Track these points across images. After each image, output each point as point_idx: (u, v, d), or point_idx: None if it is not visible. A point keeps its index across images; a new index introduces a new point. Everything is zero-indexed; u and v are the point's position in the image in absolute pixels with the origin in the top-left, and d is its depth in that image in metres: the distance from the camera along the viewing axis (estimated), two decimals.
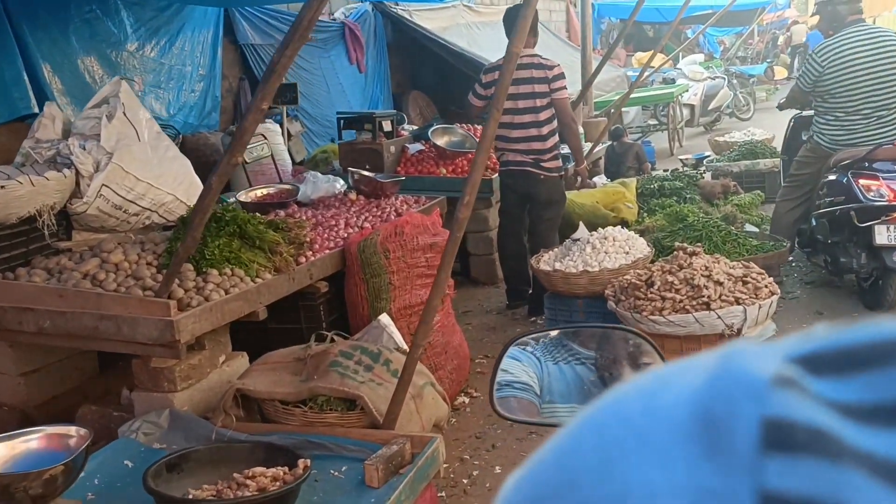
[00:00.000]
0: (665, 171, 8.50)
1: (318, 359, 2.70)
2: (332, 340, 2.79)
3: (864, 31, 4.19)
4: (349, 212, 4.01)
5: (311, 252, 3.34)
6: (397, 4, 9.96)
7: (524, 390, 1.09)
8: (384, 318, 3.25)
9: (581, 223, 4.40)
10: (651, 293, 3.38)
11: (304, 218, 3.79)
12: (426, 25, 9.78)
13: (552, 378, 1.11)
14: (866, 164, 3.86)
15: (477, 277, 5.50)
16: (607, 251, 3.98)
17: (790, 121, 5.04)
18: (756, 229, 5.85)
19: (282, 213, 3.83)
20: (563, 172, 4.71)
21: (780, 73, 5.19)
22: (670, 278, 3.36)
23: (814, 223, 4.21)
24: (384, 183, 4.34)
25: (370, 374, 2.65)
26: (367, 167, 5.56)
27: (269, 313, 3.09)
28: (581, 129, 8.83)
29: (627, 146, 7.46)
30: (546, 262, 4.26)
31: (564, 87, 4.46)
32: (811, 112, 4.57)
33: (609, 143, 7.68)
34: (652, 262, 3.76)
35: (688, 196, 5.84)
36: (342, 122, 5.67)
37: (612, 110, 7.58)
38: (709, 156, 8.09)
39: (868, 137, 4.16)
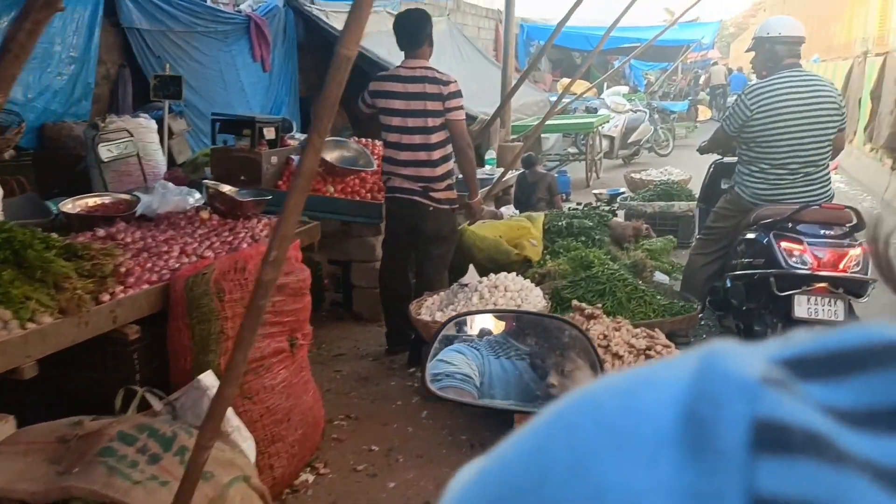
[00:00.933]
0: (578, 204, 8.09)
1: (87, 442, 2.01)
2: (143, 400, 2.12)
3: (800, 77, 3.80)
4: (194, 235, 3.31)
5: (121, 287, 2.63)
6: (313, 3, 9.28)
7: (465, 381, 1.10)
8: (207, 378, 2.57)
9: (471, 266, 3.83)
10: None
11: (128, 239, 3.08)
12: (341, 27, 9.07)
13: (493, 373, 1.13)
14: (790, 225, 3.43)
15: (360, 312, 4.86)
16: (496, 302, 3.42)
17: (710, 166, 4.63)
18: (667, 278, 5.44)
19: (102, 231, 3.10)
20: (456, 205, 4.13)
21: (704, 112, 4.89)
22: None
23: (728, 285, 3.78)
24: (243, 202, 3.66)
25: (155, 467, 1.98)
26: (243, 178, 4.87)
27: (67, 358, 2.40)
28: (493, 154, 8.34)
29: (540, 176, 6.99)
30: (428, 308, 3.67)
31: (461, 108, 3.89)
32: (733, 159, 4.15)
33: (521, 170, 7.20)
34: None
35: (597, 237, 5.38)
36: (217, 124, 4.95)
37: (530, 136, 7.10)
38: (623, 192, 7.72)
39: (793, 194, 3.76)
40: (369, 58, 8.82)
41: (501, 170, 7.36)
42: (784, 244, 3.38)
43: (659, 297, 3.79)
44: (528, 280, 3.67)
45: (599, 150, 11.34)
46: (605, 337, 2.85)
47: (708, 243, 4.13)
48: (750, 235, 3.69)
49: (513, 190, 7.21)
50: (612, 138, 11.72)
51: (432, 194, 3.94)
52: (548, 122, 9.84)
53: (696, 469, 0.21)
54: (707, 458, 0.21)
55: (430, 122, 3.85)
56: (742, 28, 45.72)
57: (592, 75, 18.56)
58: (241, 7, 8.57)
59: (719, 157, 4.53)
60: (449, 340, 1.20)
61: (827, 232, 3.37)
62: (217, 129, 4.96)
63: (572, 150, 11.57)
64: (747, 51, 4.09)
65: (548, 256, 4.83)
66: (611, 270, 3.85)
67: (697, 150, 4.34)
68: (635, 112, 12.25)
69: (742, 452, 0.20)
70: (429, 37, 3.96)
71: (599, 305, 3.48)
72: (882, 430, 0.21)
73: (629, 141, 12.15)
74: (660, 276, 5.43)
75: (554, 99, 12.94)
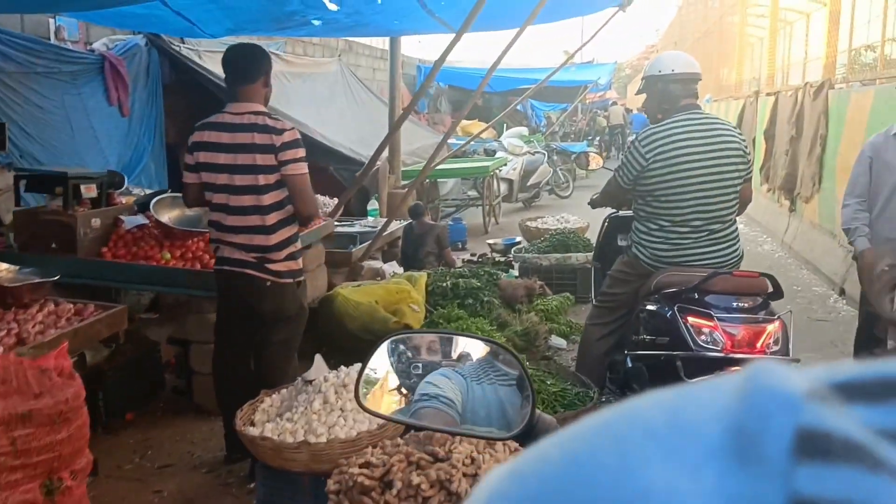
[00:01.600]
0: (472, 255, 7.51)
1: None
2: None
3: (700, 120, 3.31)
4: None
5: None
6: (183, 42, 8.46)
7: (448, 406, 1.11)
8: None
9: (318, 357, 3.09)
10: (388, 501, 2.12)
11: None
12: (218, 69, 8.33)
13: (476, 400, 1.14)
14: (697, 297, 2.88)
15: (202, 404, 4.03)
16: (344, 407, 2.70)
17: (605, 220, 4.09)
18: (564, 342, 4.86)
19: None
20: (301, 277, 3.39)
21: (596, 160, 4.50)
22: (416, 479, 2.12)
23: (629, 364, 3.19)
24: (12, 288, 2.82)
25: None
26: (54, 246, 4.00)
27: None
28: (375, 204, 7.65)
29: (428, 227, 6.35)
30: (264, 412, 2.90)
31: (300, 160, 3.18)
32: (630, 212, 3.61)
33: (408, 221, 6.55)
34: (404, 434, 2.52)
35: (485, 299, 4.75)
36: (23, 182, 4.08)
37: (414, 183, 6.48)
38: (519, 241, 7.18)
39: (698, 256, 3.23)
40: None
41: (384, 220, 6.71)
42: (691, 319, 2.81)
43: (550, 383, 3.16)
44: None
45: (498, 194, 10.86)
46: (472, 460, 2.17)
47: (604, 312, 3.55)
48: (651, 307, 3.12)
49: (400, 243, 6.56)
50: (510, 181, 11.29)
51: (270, 266, 3.20)
52: (442, 167, 9.31)
53: (740, 476, 0.22)
54: (751, 466, 0.22)
55: (262, 179, 3.13)
56: (637, 70, 47.30)
57: (495, 117, 18.36)
58: (95, 46, 7.67)
59: (614, 210, 3.99)
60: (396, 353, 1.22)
61: (740, 304, 2.83)
62: (22, 188, 4.08)
63: (472, 193, 11.06)
64: (638, 92, 3.56)
65: (430, 324, 4.15)
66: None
67: (588, 204, 3.79)
68: (533, 154, 11.88)
69: (785, 459, 0.21)
70: (264, 75, 3.26)
71: None
72: None
73: (528, 184, 11.75)
74: (556, 341, 4.85)
75: (451, 142, 12.49)
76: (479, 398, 1.15)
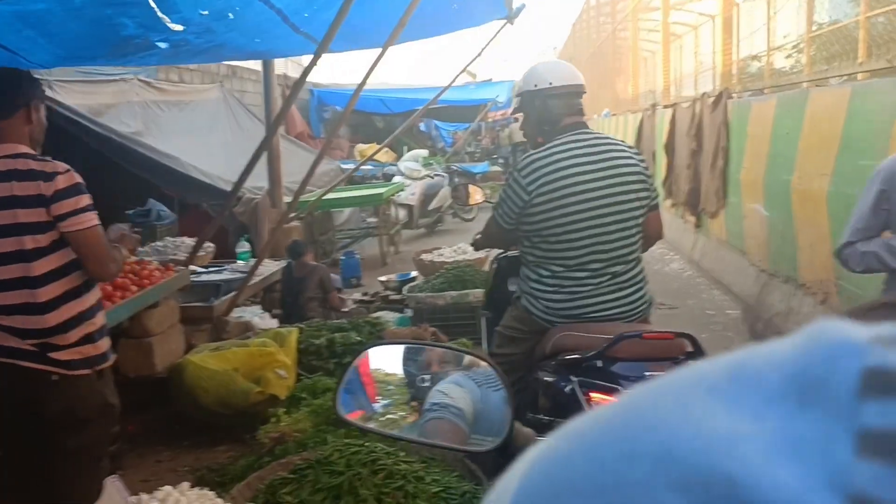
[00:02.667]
0: (366, 294, 6.82)
1: None
2: None
3: (588, 141, 2.74)
4: None
5: None
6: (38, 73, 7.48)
7: (458, 417, 1.10)
8: None
9: (111, 482, 2.33)
10: None
11: None
12: (75, 102, 7.42)
13: (487, 408, 1.12)
14: (600, 365, 2.29)
15: None
16: None
17: (493, 263, 3.48)
18: None
19: None
20: (105, 363, 2.61)
21: (475, 194, 4.06)
22: None
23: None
24: None
25: None
26: None
27: None
28: (246, 246, 6.87)
29: (309, 269, 5.63)
30: None
31: (85, 210, 2.42)
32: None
33: (282, 264, 5.81)
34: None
35: None
36: None
37: (281, 218, 5.76)
38: (415, 277, 6.55)
39: (600, 307, 2.67)
40: (105, 136, 7.15)
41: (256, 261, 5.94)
42: (595, 395, 2.22)
43: (432, 481, 2.50)
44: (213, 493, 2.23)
45: (397, 221, 10.23)
46: None
47: None
48: (547, 377, 2.51)
49: (279, 287, 5.81)
50: (409, 207, 10.68)
51: (53, 355, 2.42)
52: (332, 196, 8.60)
53: (804, 418, 0.22)
54: (815, 407, 0.22)
55: (30, 242, 2.36)
56: None
57: (397, 139, 17.75)
58: None
59: (502, 251, 3.39)
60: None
61: (653, 372, 2.25)
62: None
63: (373, 219, 10.37)
64: (514, 112, 2.98)
65: (285, 409, 3.43)
66: (354, 448, 2.50)
67: (471, 245, 3.17)
68: (433, 177, 11.32)
69: (851, 398, 0.21)
70: (25, 106, 2.49)
71: None
72: None
73: (430, 208, 11.18)
74: None
75: (346, 167, 11.81)
76: (491, 406, 1.15)
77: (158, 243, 6.23)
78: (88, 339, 2.50)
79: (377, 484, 2.39)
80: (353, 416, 1.22)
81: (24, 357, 2.41)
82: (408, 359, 1.27)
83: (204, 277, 5.40)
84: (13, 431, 2.49)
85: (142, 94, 9.46)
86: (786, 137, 5.10)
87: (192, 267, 5.61)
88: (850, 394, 0.22)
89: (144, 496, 2.17)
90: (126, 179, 7.48)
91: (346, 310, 6.03)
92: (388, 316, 5.91)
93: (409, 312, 5.66)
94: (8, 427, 2.49)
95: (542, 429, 2.41)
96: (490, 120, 25.25)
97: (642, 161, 2.85)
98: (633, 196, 2.74)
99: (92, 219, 2.42)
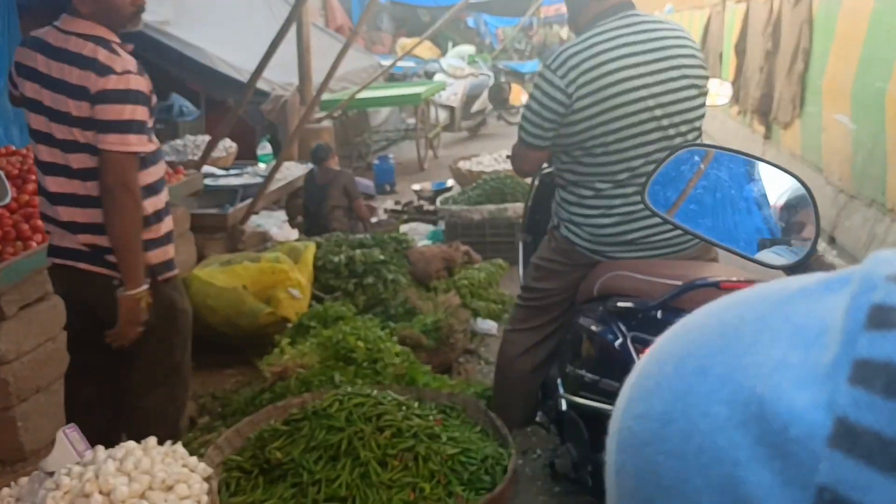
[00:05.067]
0: (398, 204, 6.37)
1: None
2: None
3: (639, 26, 2.15)
4: None
5: None
6: None
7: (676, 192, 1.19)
8: None
9: (60, 434, 1.96)
10: None
11: None
12: None
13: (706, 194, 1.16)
14: (661, 317, 1.81)
15: None
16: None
17: (534, 179, 2.94)
18: (493, 326, 3.80)
19: None
20: (166, 273, 2.25)
21: (517, 94, 3.59)
22: None
23: (563, 407, 2.13)
24: None
25: None
26: None
27: None
28: (267, 147, 6.40)
29: (333, 175, 5.16)
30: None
31: (125, 129, 2.05)
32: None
33: (309, 167, 5.36)
34: None
35: (390, 277, 3.66)
36: None
37: (304, 119, 5.28)
38: (450, 187, 6.06)
39: (658, 234, 2.18)
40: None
41: (287, 164, 5.52)
42: None
43: (448, 440, 2.09)
44: (189, 453, 1.86)
45: (437, 123, 9.63)
46: None
47: (530, 314, 2.47)
48: (594, 325, 2.04)
49: (301, 197, 5.38)
50: (451, 108, 10.03)
51: (110, 258, 2.11)
52: (364, 95, 8.02)
53: (829, 351, 0.25)
54: (829, 339, 0.25)
55: (78, 134, 2.02)
56: None
57: (443, 35, 16.81)
58: None
59: (547, 164, 2.87)
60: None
61: None
62: None
63: (412, 121, 9.78)
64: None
65: (293, 339, 3.04)
66: (357, 399, 2.09)
67: (509, 159, 2.66)
68: (477, 76, 10.60)
69: (856, 331, 0.24)
70: None
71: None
72: None
73: (473, 110, 10.51)
74: (484, 325, 3.80)
75: (387, 63, 11.15)
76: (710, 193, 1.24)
77: (178, 141, 5.82)
78: (146, 245, 2.14)
79: (382, 444, 2.00)
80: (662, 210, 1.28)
81: (81, 258, 2.14)
82: (723, 166, 1.25)
83: (222, 181, 5.00)
84: (84, 338, 2.22)
85: None
86: (886, 36, 4.35)
87: (209, 169, 5.21)
88: (859, 327, 0.24)
89: (101, 451, 1.82)
90: (150, 72, 7.04)
91: (375, 220, 5.61)
92: (421, 228, 5.48)
93: (442, 226, 5.21)
94: (79, 334, 2.23)
95: (585, 389, 1.98)
96: (542, 16, 23.93)
97: (699, 50, 2.29)
98: (695, 92, 2.19)
99: (127, 142, 2.03)
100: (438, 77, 10.45)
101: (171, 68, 6.92)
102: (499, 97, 3.54)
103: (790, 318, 0.27)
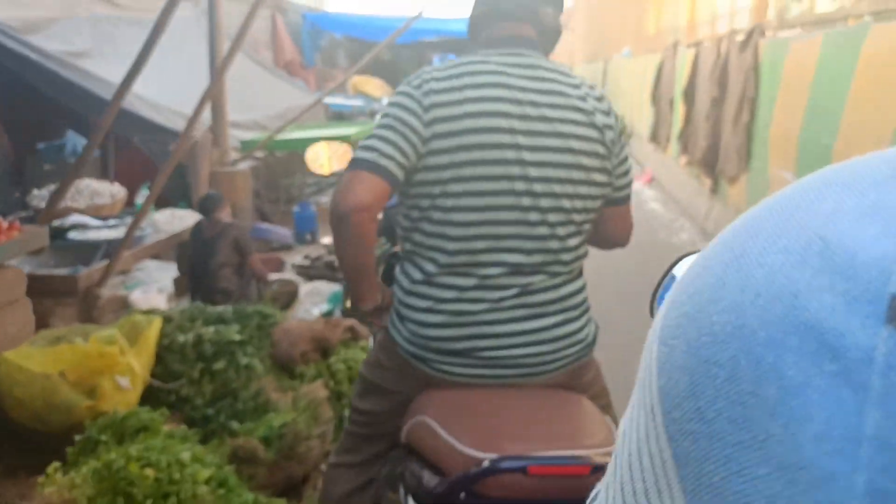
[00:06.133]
0: (307, 258, 5.77)
1: None
2: None
3: (527, 69, 1.61)
4: None
5: None
6: None
7: None
8: None
9: None
10: None
11: None
12: (2, 15, 6.34)
13: None
14: (463, 499, 1.23)
15: None
16: None
17: (379, 261, 2.31)
18: None
19: None
20: None
21: None
22: None
23: None
24: None
25: None
26: None
27: None
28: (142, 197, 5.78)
29: (221, 228, 4.55)
30: None
31: None
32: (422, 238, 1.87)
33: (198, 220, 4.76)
34: None
35: (245, 363, 3.04)
36: None
37: (172, 159, 4.70)
38: None
39: (500, 345, 1.64)
40: (27, 57, 6.02)
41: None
42: None
43: None
44: None
45: None
46: None
47: (356, 443, 1.86)
48: (417, 468, 1.45)
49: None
50: None
51: None
52: (298, 135, 7.47)
53: (888, 192, 0.24)
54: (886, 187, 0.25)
55: None
56: (564, 24, 45.77)
57: (402, 73, 16.41)
58: None
59: (390, 245, 2.28)
60: None
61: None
62: None
63: None
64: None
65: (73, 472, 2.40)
66: None
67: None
68: None
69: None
70: None
71: None
72: None
73: None
74: None
75: (330, 101, 10.59)
76: None
77: (52, 186, 5.18)
78: None
79: None
80: None
81: None
82: None
83: (91, 234, 4.36)
84: None
85: (92, 7, 8.25)
86: (831, 88, 3.89)
87: (81, 219, 4.59)
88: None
89: None
90: (51, 108, 6.44)
91: (276, 277, 5.00)
92: (325, 288, 4.89)
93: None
94: None
95: None
96: None
97: (609, 114, 1.71)
98: (580, 175, 1.63)
99: None
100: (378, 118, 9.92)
101: (70, 103, 6.32)
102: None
103: (837, 178, 0.26)
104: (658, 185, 8.50)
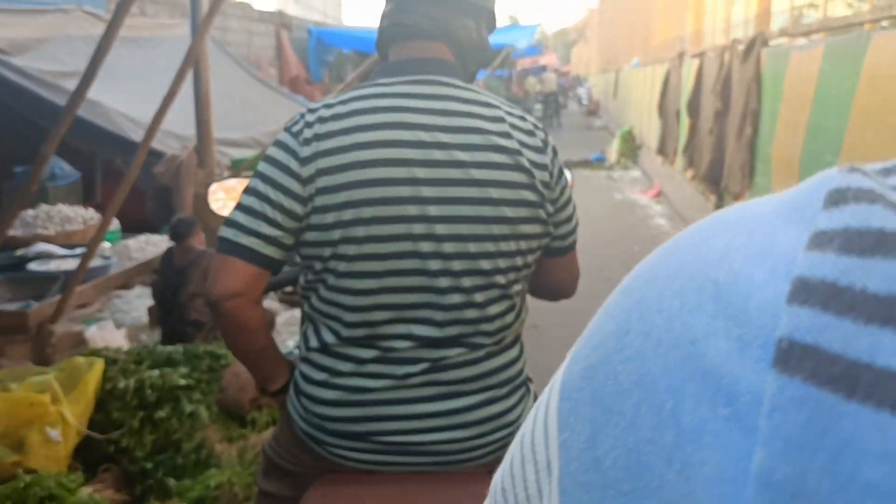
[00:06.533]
0: (293, 287, 5.54)
1: None
2: None
3: (437, 100, 1.30)
4: None
5: None
6: None
7: None
8: None
9: None
10: None
11: None
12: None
13: None
14: None
15: None
16: None
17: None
18: None
19: None
20: None
21: None
22: None
23: None
24: None
25: None
26: None
27: None
28: (117, 224, 5.62)
29: (194, 256, 4.32)
30: None
31: None
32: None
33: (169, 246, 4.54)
34: None
35: (189, 410, 2.80)
36: None
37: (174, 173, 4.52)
38: None
39: (409, 429, 1.37)
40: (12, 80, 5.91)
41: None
42: None
43: None
44: None
45: None
46: None
47: None
48: None
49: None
50: None
51: None
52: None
53: (785, 230, 0.25)
54: (795, 223, 0.25)
55: None
56: (582, 34, 45.50)
57: None
58: None
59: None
60: None
61: None
62: None
63: None
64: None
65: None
66: None
67: None
68: None
69: (818, 211, 0.24)
70: None
71: None
72: None
73: None
74: None
75: None
76: None
77: (30, 212, 5.01)
78: None
79: None
80: None
81: None
82: None
83: (52, 265, 4.17)
84: None
85: (85, 27, 8.15)
86: (833, 102, 3.60)
87: (46, 247, 4.39)
88: (818, 208, 0.24)
89: None
90: (31, 130, 6.29)
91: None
92: None
93: None
94: None
95: None
96: (519, 67, 23.55)
97: (549, 158, 1.43)
98: (505, 225, 1.35)
99: None
100: None
101: (50, 125, 6.16)
102: None
103: (729, 219, 0.27)
104: (666, 199, 8.20)
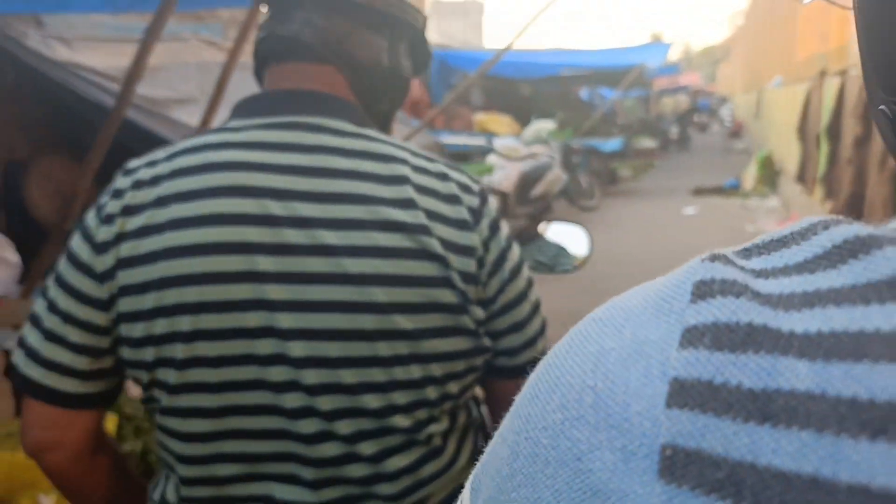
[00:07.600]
0: None
1: None
2: None
3: (307, 157, 0.87)
4: None
5: None
6: (41, 25, 6.62)
7: None
8: None
9: None
10: None
11: None
12: (105, 64, 6.49)
13: None
14: None
15: None
16: None
17: None
18: None
19: None
20: None
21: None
22: None
23: None
24: None
25: None
26: None
27: None
28: None
29: None
30: None
31: None
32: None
33: None
34: None
35: None
36: None
37: None
38: None
39: None
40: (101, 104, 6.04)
41: None
42: None
43: None
44: None
45: None
46: None
47: None
48: None
49: None
50: (503, 194, 8.87)
51: None
52: None
53: (655, 325, 0.25)
54: (664, 317, 0.25)
55: None
56: (727, 53, 43.28)
57: (550, 110, 15.79)
58: None
59: None
60: None
61: None
62: None
63: None
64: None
65: None
66: None
67: None
68: (538, 157, 9.41)
69: (686, 305, 0.24)
70: None
71: None
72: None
73: (532, 195, 9.31)
74: None
75: (449, 142, 10.15)
76: None
77: None
78: None
79: None
80: None
81: None
82: None
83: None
84: None
85: (202, 54, 8.34)
86: None
87: None
88: (686, 301, 0.24)
89: None
90: (122, 154, 6.42)
91: None
92: None
93: None
94: None
95: None
96: (657, 88, 22.52)
97: (483, 235, 0.96)
98: (405, 342, 0.85)
99: None
100: (490, 159, 9.35)
101: (140, 150, 6.27)
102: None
103: (603, 317, 0.26)
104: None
